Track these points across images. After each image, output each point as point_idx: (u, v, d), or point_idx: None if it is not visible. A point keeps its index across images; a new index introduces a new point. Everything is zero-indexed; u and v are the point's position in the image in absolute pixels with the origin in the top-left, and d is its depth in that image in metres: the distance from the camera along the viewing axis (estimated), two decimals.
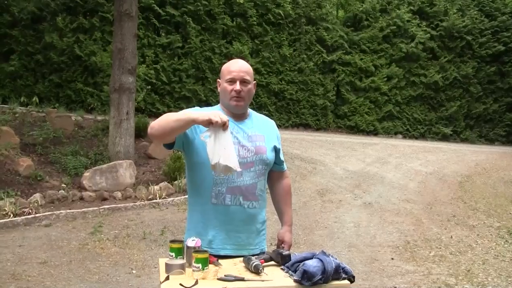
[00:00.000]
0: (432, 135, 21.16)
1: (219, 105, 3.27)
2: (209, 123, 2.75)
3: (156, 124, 2.88)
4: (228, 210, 3.06)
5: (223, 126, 2.75)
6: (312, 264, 2.75)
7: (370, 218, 9.48)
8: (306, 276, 2.71)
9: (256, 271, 2.79)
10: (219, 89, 3.22)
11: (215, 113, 2.77)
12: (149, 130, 2.92)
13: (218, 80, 3.22)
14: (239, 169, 2.81)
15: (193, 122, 2.80)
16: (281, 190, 3.40)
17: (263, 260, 2.92)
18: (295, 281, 2.74)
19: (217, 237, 3.04)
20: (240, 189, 3.07)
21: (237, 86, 3.08)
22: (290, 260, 2.92)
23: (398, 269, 6.87)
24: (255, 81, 3.22)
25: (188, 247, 2.92)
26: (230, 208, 3.06)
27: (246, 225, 3.02)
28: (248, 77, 3.12)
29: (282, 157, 3.35)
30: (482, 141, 21.60)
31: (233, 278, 2.70)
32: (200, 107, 3.17)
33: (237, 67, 3.13)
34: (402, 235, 8.48)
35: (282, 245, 3.24)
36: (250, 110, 3.28)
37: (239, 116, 3.17)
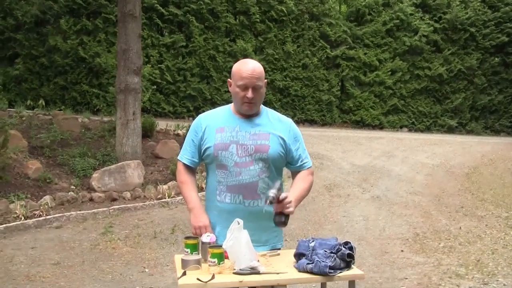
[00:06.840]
0: (437, 128, 21.16)
1: (230, 105, 3.30)
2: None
3: (178, 181, 3.44)
4: (229, 208, 3.13)
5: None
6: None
7: (379, 211, 9.51)
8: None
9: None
10: (230, 89, 3.22)
11: (199, 228, 3.18)
12: (177, 176, 3.43)
13: (229, 80, 3.20)
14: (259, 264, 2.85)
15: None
16: (295, 179, 3.35)
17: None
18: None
19: (221, 234, 3.08)
20: (239, 188, 3.13)
21: (250, 93, 3.08)
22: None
23: (408, 261, 6.89)
24: (266, 79, 3.22)
25: (203, 243, 2.98)
26: (231, 206, 3.14)
27: (249, 222, 2.98)
28: (260, 82, 3.11)
29: (301, 156, 3.29)
30: (487, 133, 21.58)
31: (249, 271, 2.75)
32: (205, 105, 3.23)
33: (249, 72, 3.08)
34: (411, 227, 8.50)
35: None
36: (263, 108, 3.28)
37: (248, 115, 3.20)
